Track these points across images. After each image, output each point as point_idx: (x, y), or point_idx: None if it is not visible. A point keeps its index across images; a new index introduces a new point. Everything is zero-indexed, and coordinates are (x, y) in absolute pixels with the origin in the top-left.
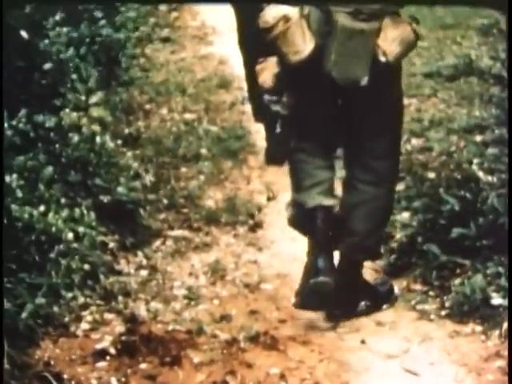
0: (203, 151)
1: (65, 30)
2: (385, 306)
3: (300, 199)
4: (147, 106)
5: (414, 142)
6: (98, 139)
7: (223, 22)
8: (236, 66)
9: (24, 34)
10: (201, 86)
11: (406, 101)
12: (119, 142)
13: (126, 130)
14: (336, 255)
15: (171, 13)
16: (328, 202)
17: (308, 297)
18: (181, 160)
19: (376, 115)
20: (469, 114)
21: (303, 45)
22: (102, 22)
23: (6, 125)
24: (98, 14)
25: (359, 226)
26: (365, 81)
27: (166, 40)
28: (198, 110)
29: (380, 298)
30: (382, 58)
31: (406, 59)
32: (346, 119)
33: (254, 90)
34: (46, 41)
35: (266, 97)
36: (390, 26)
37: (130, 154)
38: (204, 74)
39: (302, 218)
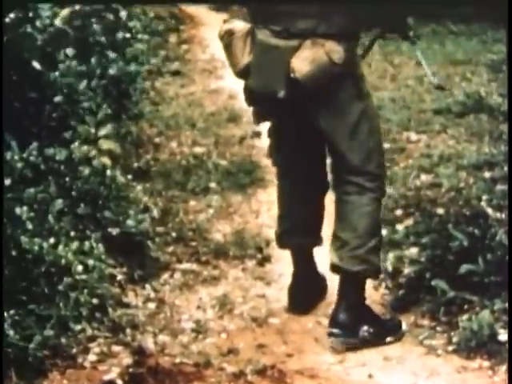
0: (212, 185)
1: (76, 63)
2: (389, 339)
3: (278, 235)
4: (157, 140)
5: (424, 177)
6: (108, 172)
7: None
8: None
9: (36, 65)
10: (210, 120)
11: (415, 137)
12: (129, 175)
13: (136, 163)
14: None
15: (181, 45)
16: (305, 240)
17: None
18: (190, 193)
19: (324, 128)
20: (478, 150)
21: (241, 58)
22: (113, 55)
23: (16, 157)
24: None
25: (349, 235)
26: (281, 94)
27: (175, 73)
28: (207, 143)
29: (384, 329)
30: (292, 74)
31: (417, 95)
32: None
33: None
34: (57, 73)
35: None
36: (307, 47)
37: (139, 187)
38: (214, 108)
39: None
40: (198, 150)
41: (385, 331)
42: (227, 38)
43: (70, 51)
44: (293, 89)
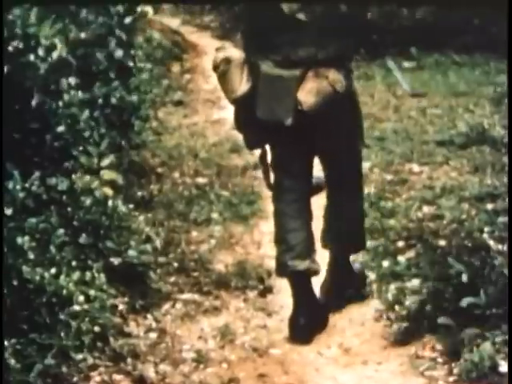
0: (214, 215)
1: (78, 92)
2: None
3: (278, 262)
4: (159, 170)
5: (426, 209)
6: (110, 203)
7: None
8: None
9: (38, 96)
10: (213, 151)
11: (417, 168)
12: (131, 205)
13: (138, 193)
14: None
15: (184, 75)
16: (301, 265)
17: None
18: (192, 224)
19: (320, 152)
20: (480, 182)
21: (239, 85)
22: (115, 83)
23: (18, 187)
24: (112, 75)
25: (333, 223)
26: (289, 122)
27: (178, 103)
28: (209, 174)
29: (358, 281)
30: (299, 107)
31: (419, 127)
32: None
33: None
34: (60, 103)
35: None
36: (310, 78)
37: (141, 217)
38: (216, 138)
39: (283, 276)
40: (201, 180)
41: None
42: (224, 65)
43: (72, 80)
44: (299, 117)
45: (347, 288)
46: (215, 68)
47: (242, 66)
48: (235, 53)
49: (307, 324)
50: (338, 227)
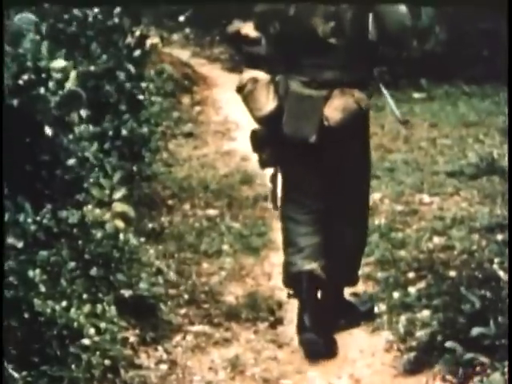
0: (225, 247)
1: (89, 125)
2: (363, 323)
3: (286, 264)
4: (170, 202)
5: (436, 240)
6: (121, 236)
7: (246, 117)
8: None
9: (48, 130)
10: (223, 182)
11: (428, 199)
12: (142, 239)
13: (149, 225)
14: None
15: (194, 107)
16: (309, 266)
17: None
18: (203, 256)
19: (335, 169)
20: (490, 212)
21: (266, 104)
22: (126, 116)
23: (29, 220)
24: (122, 108)
25: (330, 255)
26: (313, 139)
27: (188, 135)
28: (220, 205)
29: (359, 317)
30: (326, 123)
31: (429, 157)
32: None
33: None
34: (71, 136)
35: None
36: (337, 95)
37: (152, 251)
38: (227, 169)
39: (290, 280)
40: (211, 211)
41: (359, 318)
42: (251, 84)
43: (82, 113)
44: (323, 134)
45: (338, 318)
46: (240, 88)
47: (268, 86)
48: (261, 73)
49: (313, 326)
50: (334, 260)
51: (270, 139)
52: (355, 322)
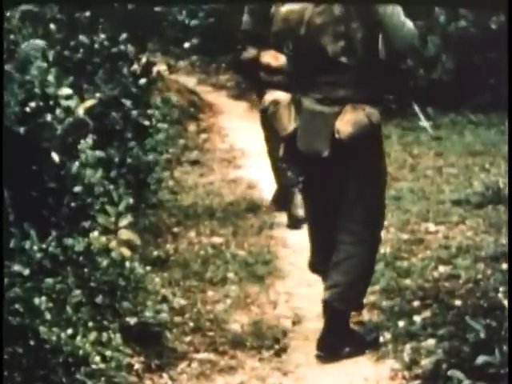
0: (230, 275)
1: (95, 152)
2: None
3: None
4: (175, 229)
5: (442, 269)
6: (127, 264)
7: (252, 144)
8: (265, 189)
9: (55, 156)
10: (229, 210)
11: (433, 227)
12: (148, 267)
13: (155, 253)
14: None
15: (200, 134)
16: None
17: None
18: (208, 283)
19: (348, 183)
20: (496, 241)
21: (288, 123)
22: (132, 143)
23: (35, 247)
24: (128, 135)
25: (341, 279)
26: (325, 153)
27: (194, 163)
28: (225, 233)
29: (364, 345)
30: (337, 135)
31: (435, 186)
32: (320, 188)
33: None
34: (77, 163)
35: None
36: (348, 110)
37: (157, 278)
38: (232, 197)
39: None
40: (217, 239)
41: (365, 347)
42: (273, 107)
43: (89, 140)
44: (335, 149)
45: (344, 346)
46: (264, 111)
47: (289, 106)
48: (282, 94)
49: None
50: (344, 284)
51: (292, 155)
52: (360, 350)
